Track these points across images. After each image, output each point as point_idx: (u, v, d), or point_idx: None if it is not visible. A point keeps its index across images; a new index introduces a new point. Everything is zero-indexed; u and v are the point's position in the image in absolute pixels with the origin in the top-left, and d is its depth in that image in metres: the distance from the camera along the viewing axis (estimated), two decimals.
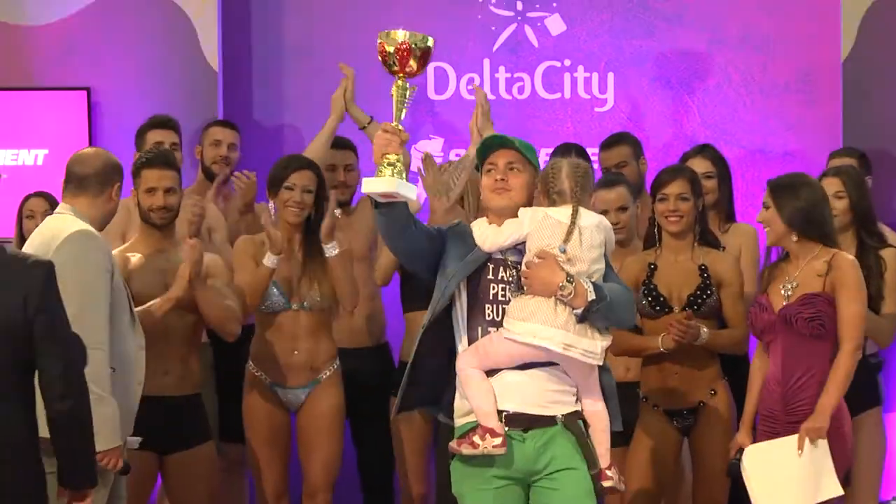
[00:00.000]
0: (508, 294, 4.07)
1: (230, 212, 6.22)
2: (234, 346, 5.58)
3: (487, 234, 4.08)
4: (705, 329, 5.05)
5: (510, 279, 4.09)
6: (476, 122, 5.85)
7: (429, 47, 4.02)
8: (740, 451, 4.96)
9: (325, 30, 7.15)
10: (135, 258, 5.26)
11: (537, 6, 7.16)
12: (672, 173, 5.38)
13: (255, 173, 6.12)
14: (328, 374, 5.59)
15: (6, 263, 3.96)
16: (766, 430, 4.92)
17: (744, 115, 7.06)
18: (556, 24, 7.17)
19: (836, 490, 4.79)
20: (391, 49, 4.00)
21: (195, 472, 5.33)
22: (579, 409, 4.10)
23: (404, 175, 3.98)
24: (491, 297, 4.09)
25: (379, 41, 4.04)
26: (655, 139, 6.88)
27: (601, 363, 4.06)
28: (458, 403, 4.13)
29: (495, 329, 4.05)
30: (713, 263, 5.24)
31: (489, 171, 4.13)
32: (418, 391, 4.22)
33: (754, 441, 4.96)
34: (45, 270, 3.97)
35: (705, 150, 6.03)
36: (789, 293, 4.93)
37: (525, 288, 4.03)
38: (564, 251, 4.03)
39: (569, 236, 4.02)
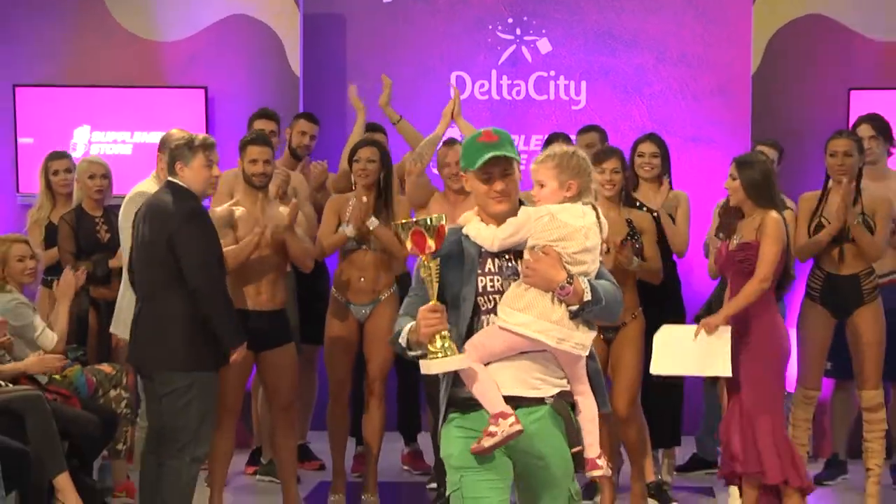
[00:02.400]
0: (497, 284, 3.77)
1: (307, 187, 6.72)
2: (311, 275, 6.31)
3: (495, 235, 3.76)
4: (636, 258, 5.77)
5: (498, 269, 3.78)
6: (451, 110, 6.08)
7: (442, 225, 3.67)
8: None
9: (377, 47, 7.87)
10: (239, 210, 5.79)
11: (531, 32, 7.88)
12: (608, 153, 5.93)
13: (327, 161, 6.82)
14: (386, 296, 6.17)
15: (161, 206, 5.22)
16: None
17: (680, 114, 7.81)
18: (544, 45, 7.90)
19: (725, 371, 5.26)
20: (406, 239, 3.69)
21: (282, 363, 5.86)
22: (568, 388, 3.84)
23: (455, 346, 3.67)
24: (481, 290, 3.78)
25: (396, 232, 3.99)
26: (615, 130, 7.45)
27: (587, 353, 3.83)
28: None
29: (488, 317, 3.78)
30: (636, 218, 5.90)
31: (485, 179, 3.76)
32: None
33: None
34: (183, 214, 5.17)
35: (652, 136, 6.61)
36: (737, 242, 5.46)
37: (523, 278, 3.74)
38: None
39: (584, 237, 3.78)
